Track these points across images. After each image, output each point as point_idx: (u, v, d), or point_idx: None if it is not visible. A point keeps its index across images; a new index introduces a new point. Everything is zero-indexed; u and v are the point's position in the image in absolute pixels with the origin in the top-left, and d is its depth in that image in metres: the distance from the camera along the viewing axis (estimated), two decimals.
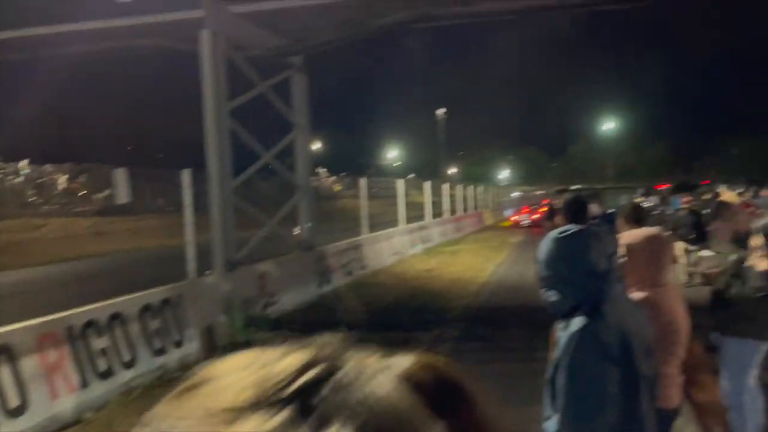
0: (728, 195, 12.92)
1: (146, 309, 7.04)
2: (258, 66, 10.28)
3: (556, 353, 2.16)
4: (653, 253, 2.54)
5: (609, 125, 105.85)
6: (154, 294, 7.29)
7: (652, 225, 12.84)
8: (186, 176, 8.32)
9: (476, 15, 9.48)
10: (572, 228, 2.29)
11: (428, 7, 9.09)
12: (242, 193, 10.29)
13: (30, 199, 24.73)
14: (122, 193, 7.30)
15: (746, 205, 11.57)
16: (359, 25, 9.61)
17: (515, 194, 69.01)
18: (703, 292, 4.56)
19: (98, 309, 6.40)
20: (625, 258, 2.51)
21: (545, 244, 2.32)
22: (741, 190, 19.42)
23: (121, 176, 7.23)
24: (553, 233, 2.32)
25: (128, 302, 6.86)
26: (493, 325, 8.94)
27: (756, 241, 1.54)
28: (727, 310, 4.12)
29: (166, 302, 7.38)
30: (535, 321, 2.72)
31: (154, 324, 7.10)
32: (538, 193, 76.31)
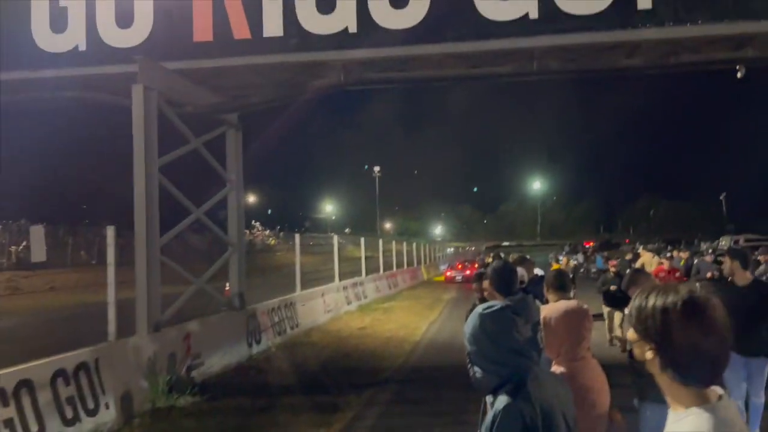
0: (646, 256, 13.60)
1: (59, 375, 6.58)
2: (192, 122, 10.17)
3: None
4: (571, 327, 2.59)
5: (537, 185, 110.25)
6: (69, 358, 6.83)
7: (578, 282, 13.09)
8: (110, 232, 7.99)
9: (411, 80, 9.81)
10: (497, 304, 2.33)
11: (364, 71, 9.34)
12: (172, 247, 9.96)
13: None
14: (38, 252, 6.88)
15: (674, 270, 12.03)
16: (295, 86, 9.73)
17: (449, 250, 70.15)
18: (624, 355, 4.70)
19: (4, 376, 5.94)
20: (543, 331, 2.56)
21: (471, 320, 2.34)
22: (668, 253, 20.45)
23: (37, 234, 6.83)
24: (479, 308, 2.35)
25: (39, 368, 6.40)
26: (425, 387, 8.86)
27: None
28: (644, 375, 4.25)
29: (81, 367, 6.92)
30: (467, 382, 2.71)
31: (67, 391, 6.63)
32: (472, 249, 77.97)
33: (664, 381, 1.60)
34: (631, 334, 1.66)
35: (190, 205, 10.19)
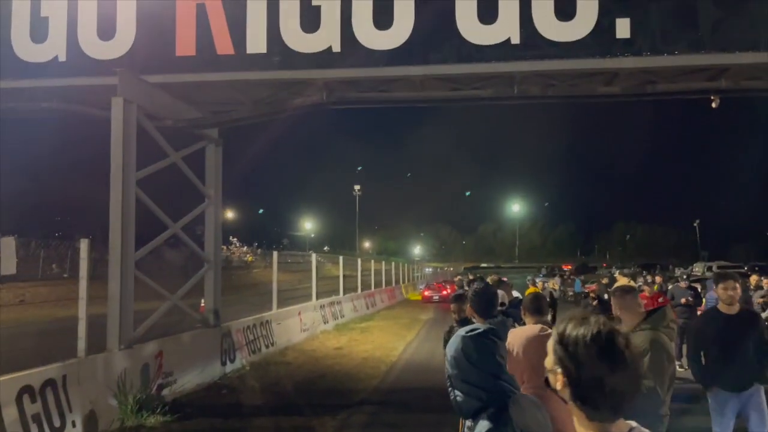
0: (622, 281, 13.68)
1: (25, 391, 6.39)
2: (172, 136, 10.08)
3: None
4: (532, 354, 2.55)
5: (516, 208, 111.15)
6: (35, 375, 6.64)
7: (557, 306, 13.07)
8: (84, 246, 7.84)
9: (393, 101, 9.86)
10: (480, 327, 2.31)
11: (346, 91, 9.37)
12: (147, 262, 9.79)
13: None
14: (8, 264, 6.71)
15: (656, 296, 12.05)
16: (277, 103, 9.71)
17: (427, 270, 70.18)
18: None
19: None
20: (507, 358, 2.53)
21: (453, 342, 2.31)
22: (649, 278, 20.69)
23: (7, 245, 6.66)
24: (461, 331, 2.32)
25: (4, 384, 6.21)
26: (401, 410, 8.77)
27: None
28: None
29: (48, 383, 6.73)
30: (443, 405, 2.68)
31: (33, 408, 6.44)
32: (450, 269, 78.08)
33: (573, 410, 1.61)
34: (548, 361, 1.66)
35: (166, 219, 10.05)
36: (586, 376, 1.54)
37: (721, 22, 7.97)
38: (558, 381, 1.61)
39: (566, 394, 1.60)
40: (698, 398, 5.42)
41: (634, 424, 1.60)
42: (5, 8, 9.21)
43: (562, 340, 1.61)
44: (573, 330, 1.60)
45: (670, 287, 13.94)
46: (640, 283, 14.71)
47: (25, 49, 9.18)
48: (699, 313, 12.77)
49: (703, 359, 5.26)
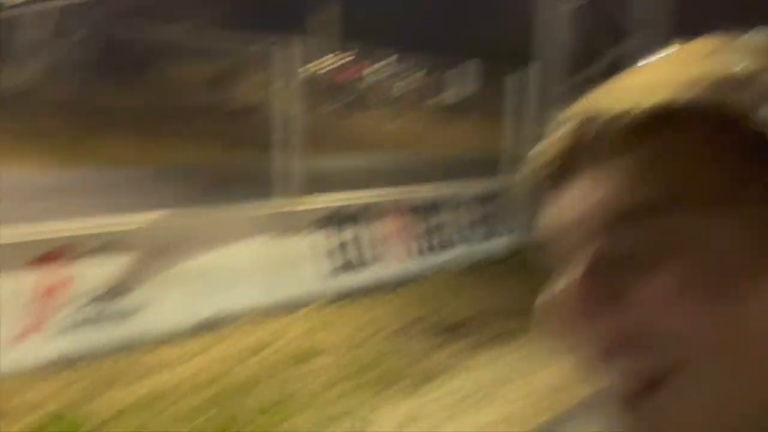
0: None
1: (479, 198, 7.71)
2: None
3: None
4: None
5: None
6: (488, 184, 7.91)
7: None
8: (513, 82, 8.43)
9: None
10: None
11: None
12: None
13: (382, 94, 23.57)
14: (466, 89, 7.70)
15: None
16: None
17: None
18: None
19: (437, 191, 7.35)
20: None
21: None
22: None
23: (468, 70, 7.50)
24: None
25: (465, 187, 7.70)
26: None
27: None
28: None
29: (495, 194, 7.87)
30: None
31: (484, 211, 7.72)
32: None
33: None
34: None
35: (604, 45, 9.66)
36: None
37: None
38: None
39: None
40: None
41: None
42: None
43: None
44: None
45: None
46: None
47: None
48: None
49: None
